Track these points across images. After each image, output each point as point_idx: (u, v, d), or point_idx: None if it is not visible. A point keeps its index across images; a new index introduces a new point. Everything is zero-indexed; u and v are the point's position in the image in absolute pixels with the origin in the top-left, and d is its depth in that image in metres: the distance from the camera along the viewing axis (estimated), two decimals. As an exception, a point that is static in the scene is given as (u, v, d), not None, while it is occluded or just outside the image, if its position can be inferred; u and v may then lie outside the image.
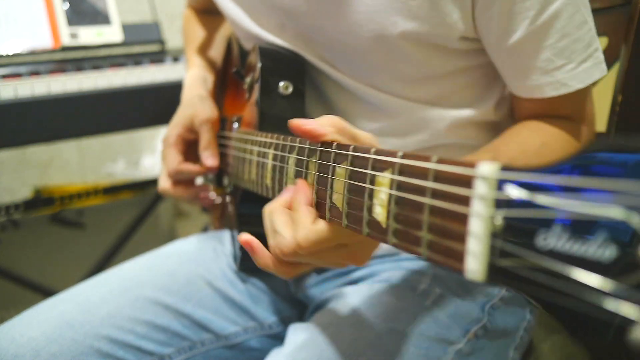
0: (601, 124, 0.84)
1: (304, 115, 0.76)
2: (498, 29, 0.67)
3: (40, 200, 1.72)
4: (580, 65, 0.67)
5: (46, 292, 1.64)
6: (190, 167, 0.88)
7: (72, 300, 0.79)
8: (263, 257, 0.55)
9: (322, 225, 0.49)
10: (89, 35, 1.38)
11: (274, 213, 0.53)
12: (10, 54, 1.30)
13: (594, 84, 0.71)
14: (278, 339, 0.85)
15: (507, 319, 0.76)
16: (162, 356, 0.78)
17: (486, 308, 0.74)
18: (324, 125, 0.52)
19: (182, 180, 0.91)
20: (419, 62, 0.71)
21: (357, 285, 0.78)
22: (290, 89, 0.75)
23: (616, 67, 0.83)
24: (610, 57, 0.84)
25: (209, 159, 0.87)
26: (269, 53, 0.78)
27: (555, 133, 0.72)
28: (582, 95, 0.72)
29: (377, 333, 0.68)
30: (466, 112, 0.76)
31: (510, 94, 0.78)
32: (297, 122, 0.52)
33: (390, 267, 0.79)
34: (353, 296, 0.75)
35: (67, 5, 1.36)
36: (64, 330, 0.74)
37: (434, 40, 0.69)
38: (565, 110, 0.74)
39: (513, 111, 0.80)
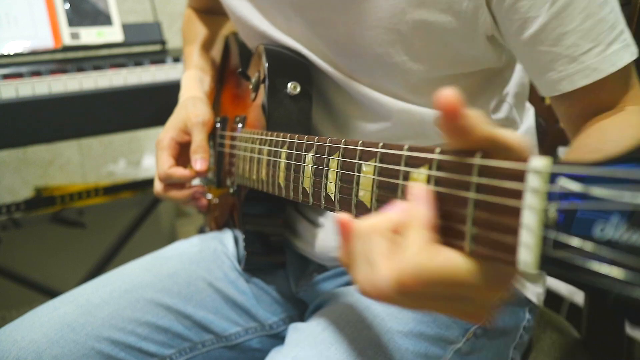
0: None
1: (310, 115, 0.77)
2: (519, 19, 0.63)
3: (41, 199, 1.73)
4: (609, 47, 0.62)
5: (47, 291, 1.64)
6: (181, 171, 0.88)
7: (73, 302, 0.79)
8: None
9: (444, 258, 0.35)
10: (90, 35, 1.38)
11: (373, 236, 0.38)
12: (12, 54, 1.30)
13: (636, 68, 0.65)
14: (279, 338, 0.85)
15: (507, 318, 0.76)
16: (163, 357, 0.78)
17: (486, 307, 0.74)
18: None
19: (174, 183, 0.91)
20: (425, 58, 0.71)
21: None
22: (299, 89, 0.75)
23: (616, 67, 0.83)
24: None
25: (199, 162, 0.87)
26: (275, 54, 0.78)
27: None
28: (623, 80, 0.64)
29: (377, 332, 0.68)
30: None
31: (513, 96, 0.78)
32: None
33: (391, 267, 0.79)
34: (353, 296, 0.75)
35: (68, 6, 1.36)
36: (65, 332, 0.74)
37: (445, 34, 0.68)
38: (609, 99, 0.66)
39: (564, 123, 0.73)
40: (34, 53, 1.32)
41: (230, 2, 0.85)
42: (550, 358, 0.85)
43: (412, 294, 0.35)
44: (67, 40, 1.35)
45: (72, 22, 1.36)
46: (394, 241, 0.37)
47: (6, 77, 1.19)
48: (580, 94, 0.64)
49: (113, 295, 0.80)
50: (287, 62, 0.78)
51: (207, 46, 1.08)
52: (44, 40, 1.34)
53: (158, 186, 0.91)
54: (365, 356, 0.65)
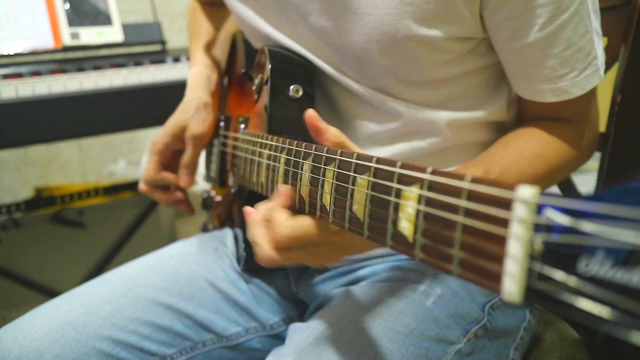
0: (601, 124, 0.84)
1: None
2: (507, 32, 0.67)
3: (41, 199, 1.73)
4: (581, 73, 0.69)
5: (47, 292, 1.64)
6: (167, 176, 0.91)
7: (74, 301, 0.79)
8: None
9: (296, 222, 0.54)
10: (90, 35, 1.38)
11: (252, 226, 0.58)
12: (12, 54, 1.30)
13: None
14: (279, 339, 0.85)
15: (507, 319, 0.76)
16: (164, 357, 0.78)
17: (486, 308, 0.74)
18: (330, 132, 0.55)
19: (159, 185, 0.93)
20: (427, 65, 0.71)
21: (357, 285, 0.79)
22: (301, 92, 0.75)
23: (616, 67, 0.83)
24: (610, 57, 0.84)
25: (184, 177, 0.90)
26: (279, 56, 0.78)
27: (552, 141, 0.73)
28: (585, 99, 0.72)
29: (378, 333, 0.68)
30: (476, 114, 0.77)
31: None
32: (315, 115, 0.56)
33: (391, 267, 0.79)
34: (353, 296, 0.75)
35: (68, 6, 1.36)
36: (66, 331, 0.74)
37: (445, 44, 0.69)
38: (568, 113, 0.75)
39: (519, 110, 0.81)
40: (34, 53, 1.32)
41: (234, 4, 0.85)
42: (550, 358, 0.85)
43: (286, 250, 0.54)
44: (67, 40, 1.35)
45: (72, 22, 1.36)
46: (266, 225, 0.56)
47: (6, 77, 1.19)
48: (547, 103, 0.71)
49: (114, 294, 0.80)
50: (290, 64, 0.77)
51: (213, 42, 1.07)
52: (44, 40, 1.34)
53: (142, 185, 0.94)
54: (365, 356, 0.65)
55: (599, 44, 0.70)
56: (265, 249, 0.55)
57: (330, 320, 0.71)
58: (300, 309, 0.89)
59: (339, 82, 0.77)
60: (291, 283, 0.89)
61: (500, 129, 0.80)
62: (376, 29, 0.69)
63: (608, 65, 0.85)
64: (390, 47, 0.69)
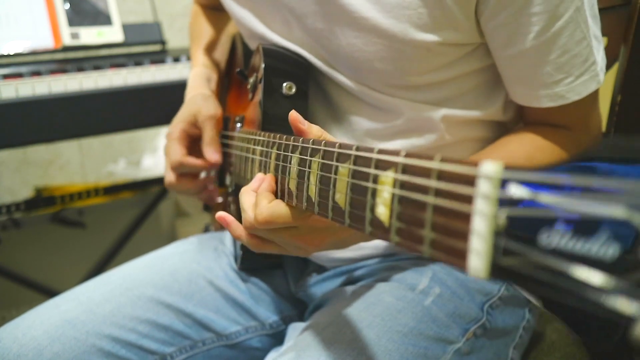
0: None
1: (306, 116, 0.77)
2: (503, 38, 0.67)
3: (41, 199, 1.73)
4: (578, 79, 0.68)
5: (47, 292, 1.64)
6: (194, 160, 0.88)
7: (74, 299, 0.79)
8: (236, 229, 0.63)
9: (274, 205, 0.57)
10: (90, 35, 1.38)
11: (243, 194, 0.61)
12: (12, 54, 1.30)
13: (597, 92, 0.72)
14: (279, 338, 0.85)
15: (506, 318, 0.76)
16: (163, 355, 0.78)
17: (485, 307, 0.74)
18: (312, 132, 0.57)
19: (186, 173, 0.91)
20: (423, 69, 0.71)
21: (356, 285, 0.79)
22: (294, 90, 0.75)
23: (615, 67, 0.83)
24: (609, 57, 0.84)
25: (212, 154, 0.87)
26: (273, 53, 0.78)
27: (544, 146, 0.73)
28: (584, 105, 0.72)
29: (376, 332, 0.68)
30: (472, 113, 0.77)
31: None
32: (297, 117, 0.58)
33: (390, 266, 0.79)
34: (352, 295, 0.75)
35: (68, 6, 1.36)
36: (66, 329, 0.74)
37: (441, 49, 0.69)
38: (566, 119, 0.74)
39: (520, 113, 0.81)
40: (34, 53, 1.32)
41: (229, 5, 0.86)
42: (550, 358, 0.85)
43: (263, 226, 0.56)
44: (67, 40, 1.35)
45: (72, 22, 1.36)
46: (254, 197, 0.60)
47: (6, 77, 1.19)
48: (544, 108, 0.71)
49: (114, 293, 0.80)
50: (284, 62, 0.78)
51: (213, 44, 1.08)
52: (44, 40, 1.34)
53: (170, 176, 0.90)
54: (364, 356, 0.65)
55: (599, 49, 0.70)
56: (249, 214, 0.58)
57: (329, 320, 0.71)
58: (299, 308, 0.89)
59: (334, 80, 0.77)
60: (290, 283, 0.89)
61: (499, 127, 0.80)
62: (372, 32, 0.69)
63: (608, 66, 0.85)
64: (386, 51, 0.69)
